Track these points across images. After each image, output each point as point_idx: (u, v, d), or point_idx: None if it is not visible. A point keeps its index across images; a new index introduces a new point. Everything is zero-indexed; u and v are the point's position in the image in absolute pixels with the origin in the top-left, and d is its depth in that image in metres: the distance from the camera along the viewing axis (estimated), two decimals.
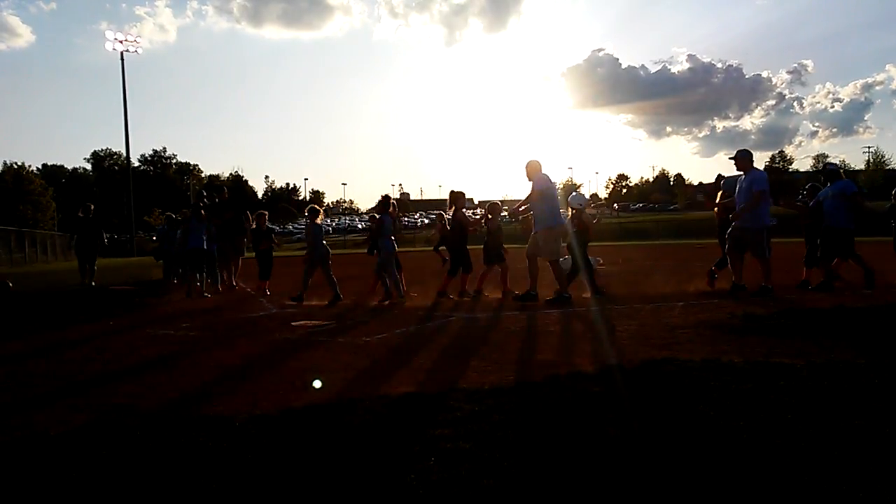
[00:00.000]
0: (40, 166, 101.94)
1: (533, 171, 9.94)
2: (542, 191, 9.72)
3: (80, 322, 9.13)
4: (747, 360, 5.24)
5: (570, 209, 10.81)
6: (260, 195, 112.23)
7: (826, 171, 11.03)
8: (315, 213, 11.20)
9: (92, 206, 16.14)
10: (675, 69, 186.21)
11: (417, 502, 2.74)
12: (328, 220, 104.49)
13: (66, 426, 3.93)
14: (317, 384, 4.64)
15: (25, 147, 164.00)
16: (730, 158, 10.27)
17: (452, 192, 11.34)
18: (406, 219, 76.20)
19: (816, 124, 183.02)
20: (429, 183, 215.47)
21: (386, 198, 10.93)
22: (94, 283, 15.46)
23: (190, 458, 3.30)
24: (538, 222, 9.91)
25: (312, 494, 2.85)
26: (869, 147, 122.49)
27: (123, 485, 3.01)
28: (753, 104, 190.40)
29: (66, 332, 8.20)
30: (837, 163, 11.11)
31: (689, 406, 3.98)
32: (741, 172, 10.12)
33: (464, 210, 11.18)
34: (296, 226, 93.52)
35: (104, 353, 6.49)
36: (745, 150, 10.26)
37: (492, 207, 11.62)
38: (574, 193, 11.93)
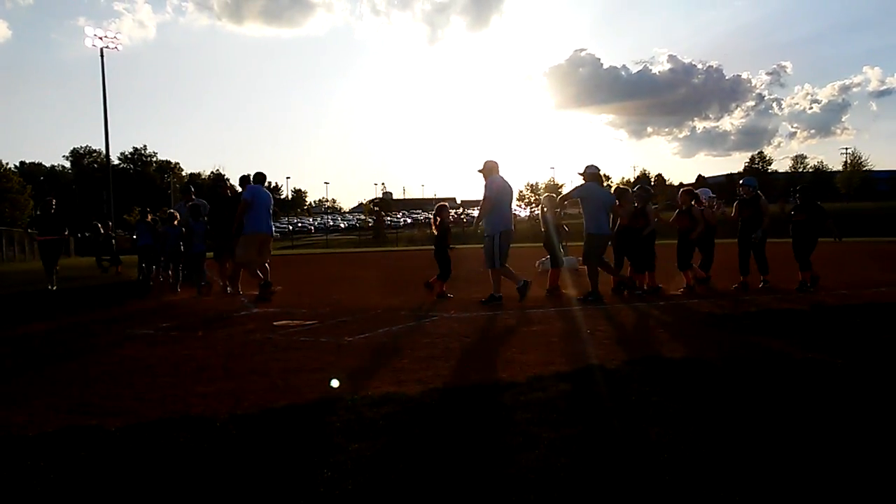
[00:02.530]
0: (18, 164, 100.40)
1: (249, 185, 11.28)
2: (248, 201, 11.05)
3: (59, 321, 9.03)
4: (727, 359, 5.31)
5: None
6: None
7: (587, 174, 10.70)
8: (171, 219, 12.84)
9: (53, 200, 14.83)
10: (655, 70, 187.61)
11: (398, 501, 2.75)
12: (311, 220, 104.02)
13: (44, 427, 3.89)
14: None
15: (2, 144, 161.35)
16: (478, 171, 10.16)
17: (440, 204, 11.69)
18: (388, 218, 76.09)
19: (795, 125, 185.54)
20: (411, 182, 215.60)
21: (195, 205, 12.63)
22: (54, 287, 14.11)
23: (170, 459, 3.29)
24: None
25: (294, 494, 2.85)
26: (846, 148, 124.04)
27: (102, 486, 2.99)
28: (733, 105, 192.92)
29: (44, 331, 8.09)
30: (597, 166, 10.67)
31: (670, 404, 4.03)
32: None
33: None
34: (277, 225, 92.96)
35: (83, 353, 6.42)
36: (489, 159, 10.17)
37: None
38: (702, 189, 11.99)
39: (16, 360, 6.25)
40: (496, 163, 10.17)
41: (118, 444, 3.56)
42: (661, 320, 7.81)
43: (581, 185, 10.46)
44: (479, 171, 10.17)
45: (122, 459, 3.31)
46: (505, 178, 10.20)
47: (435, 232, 11.32)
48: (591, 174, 10.48)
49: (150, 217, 14.30)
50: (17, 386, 5.10)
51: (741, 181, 12.09)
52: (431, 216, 12.04)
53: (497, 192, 9.92)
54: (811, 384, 4.48)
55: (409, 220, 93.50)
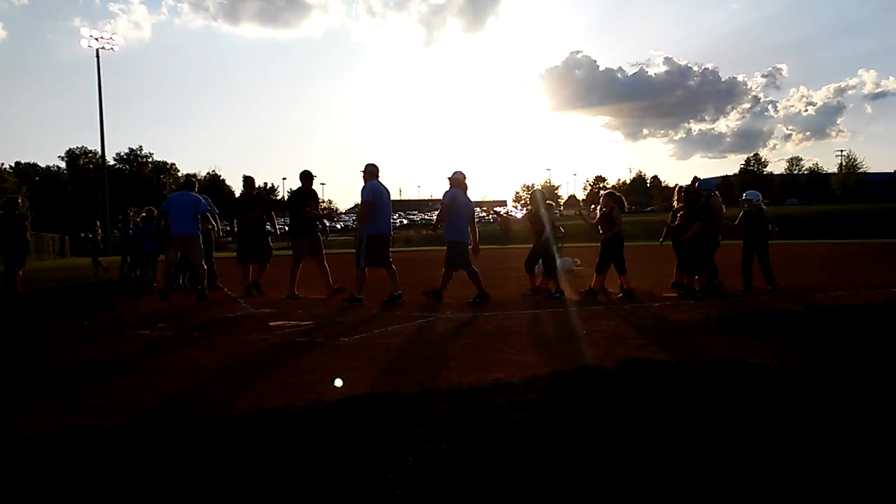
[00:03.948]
0: (13, 164, 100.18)
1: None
2: (162, 208, 11.65)
3: (54, 322, 9.00)
4: (721, 361, 5.32)
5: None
6: (237, 195, 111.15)
7: (452, 179, 10.49)
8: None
9: (20, 199, 14.50)
10: (652, 72, 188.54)
11: (394, 501, 2.75)
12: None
13: (40, 427, 3.88)
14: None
15: None
16: (360, 171, 10.33)
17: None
18: None
19: (790, 127, 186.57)
20: (408, 183, 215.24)
21: (149, 210, 14.03)
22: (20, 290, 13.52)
23: (165, 459, 3.28)
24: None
25: (289, 495, 2.84)
26: (842, 151, 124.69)
27: (97, 486, 2.98)
28: (729, 107, 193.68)
29: (40, 332, 8.07)
30: (463, 172, 10.57)
31: (666, 405, 4.04)
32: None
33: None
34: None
35: (79, 354, 6.41)
36: (369, 163, 10.35)
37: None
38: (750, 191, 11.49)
39: (11, 360, 6.22)
40: (377, 167, 10.34)
41: (114, 443, 3.55)
42: (656, 322, 7.82)
43: (448, 191, 10.42)
44: (361, 171, 10.36)
45: (118, 459, 3.31)
46: (382, 184, 10.35)
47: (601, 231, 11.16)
48: (456, 180, 10.42)
49: (137, 219, 14.45)
50: (13, 387, 5.08)
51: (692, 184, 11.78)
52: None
53: (372, 196, 10.09)
54: (806, 385, 4.50)
55: (405, 222, 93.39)
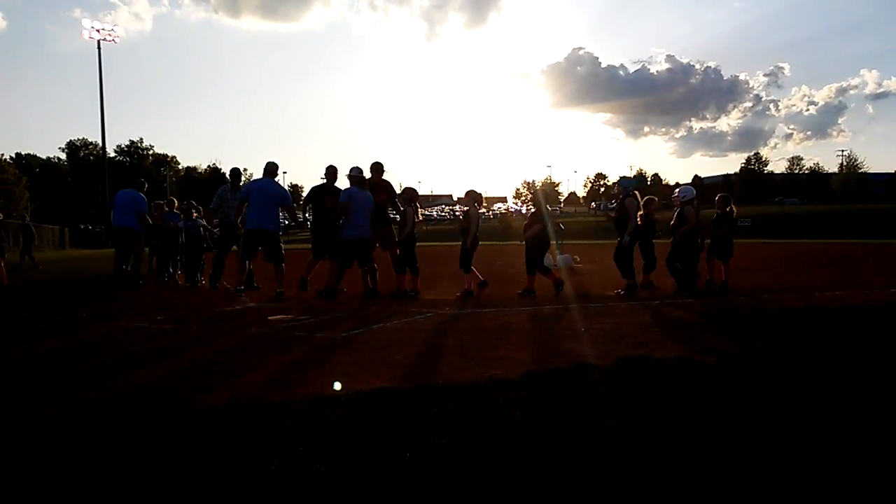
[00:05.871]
0: (14, 155, 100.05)
1: None
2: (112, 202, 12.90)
3: (53, 314, 9.01)
4: (720, 359, 5.33)
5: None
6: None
7: (350, 177, 10.43)
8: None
9: None
10: (653, 69, 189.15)
11: (391, 498, 2.75)
12: (309, 215, 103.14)
13: (37, 419, 3.89)
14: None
15: None
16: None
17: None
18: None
19: (791, 127, 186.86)
20: (408, 178, 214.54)
21: (169, 200, 14.57)
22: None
23: (164, 451, 3.29)
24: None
25: (287, 488, 2.85)
26: (843, 150, 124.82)
27: (95, 476, 2.99)
28: (730, 106, 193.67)
29: (38, 324, 8.08)
30: (360, 167, 9.98)
31: (664, 403, 4.04)
32: None
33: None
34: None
35: (77, 346, 6.41)
36: (271, 161, 10.94)
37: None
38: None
39: (8, 351, 6.23)
40: (269, 166, 10.87)
41: (111, 436, 3.56)
42: (655, 320, 7.82)
43: (345, 190, 10.42)
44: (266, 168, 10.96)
45: (115, 452, 3.31)
46: (269, 181, 10.77)
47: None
48: (353, 177, 10.39)
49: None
50: (12, 379, 5.09)
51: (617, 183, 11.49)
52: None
53: (245, 192, 10.91)
54: (804, 384, 4.50)
55: None
